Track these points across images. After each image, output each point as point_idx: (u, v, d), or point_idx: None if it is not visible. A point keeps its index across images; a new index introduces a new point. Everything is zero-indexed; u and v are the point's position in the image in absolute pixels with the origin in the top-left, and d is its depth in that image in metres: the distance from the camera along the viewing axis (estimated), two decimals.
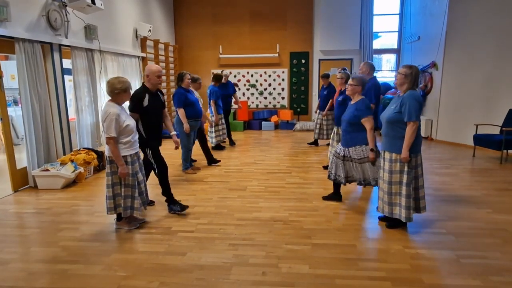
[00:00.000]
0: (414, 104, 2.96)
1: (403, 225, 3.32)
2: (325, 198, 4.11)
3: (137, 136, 3.32)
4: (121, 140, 3.12)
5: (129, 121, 3.16)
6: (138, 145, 3.37)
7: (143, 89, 3.58)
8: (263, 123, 9.83)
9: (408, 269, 2.63)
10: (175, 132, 3.91)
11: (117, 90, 3.06)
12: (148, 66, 3.58)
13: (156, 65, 3.61)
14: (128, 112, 3.35)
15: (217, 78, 6.67)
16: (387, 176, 3.17)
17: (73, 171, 4.77)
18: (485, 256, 2.80)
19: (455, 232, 3.23)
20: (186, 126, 4.99)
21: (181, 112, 4.99)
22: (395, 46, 9.80)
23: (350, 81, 3.66)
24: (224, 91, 7.09)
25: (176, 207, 3.70)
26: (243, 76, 10.20)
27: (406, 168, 3.07)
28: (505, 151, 5.81)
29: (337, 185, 4.03)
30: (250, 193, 4.38)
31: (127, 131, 3.13)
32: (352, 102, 3.72)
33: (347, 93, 3.76)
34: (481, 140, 6.04)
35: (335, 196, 4.06)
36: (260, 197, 4.22)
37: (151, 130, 3.61)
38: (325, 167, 5.46)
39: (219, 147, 7.04)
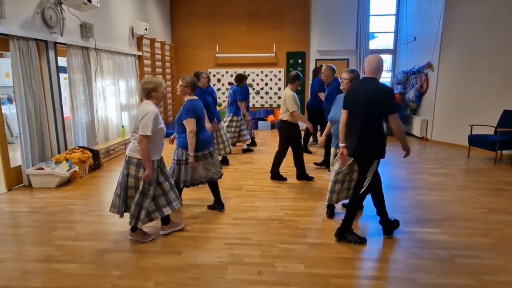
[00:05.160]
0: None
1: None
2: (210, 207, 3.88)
3: (162, 144, 3.06)
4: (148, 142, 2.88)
5: (163, 125, 3.00)
6: (161, 153, 3.11)
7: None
8: (260, 122, 9.83)
9: (402, 269, 2.65)
10: None
11: (147, 90, 2.93)
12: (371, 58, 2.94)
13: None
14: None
15: (240, 78, 6.37)
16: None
17: (68, 170, 4.74)
18: (479, 256, 2.83)
19: (450, 232, 3.26)
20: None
21: None
22: (391, 47, 9.83)
23: (180, 82, 3.46)
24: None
25: (353, 237, 3.07)
26: None
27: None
28: (499, 151, 5.86)
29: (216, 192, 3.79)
30: (246, 193, 4.38)
31: (160, 134, 2.97)
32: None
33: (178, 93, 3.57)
34: (476, 141, 6.08)
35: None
36: (256, 197, 4.22)
37: None
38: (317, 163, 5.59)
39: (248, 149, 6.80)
